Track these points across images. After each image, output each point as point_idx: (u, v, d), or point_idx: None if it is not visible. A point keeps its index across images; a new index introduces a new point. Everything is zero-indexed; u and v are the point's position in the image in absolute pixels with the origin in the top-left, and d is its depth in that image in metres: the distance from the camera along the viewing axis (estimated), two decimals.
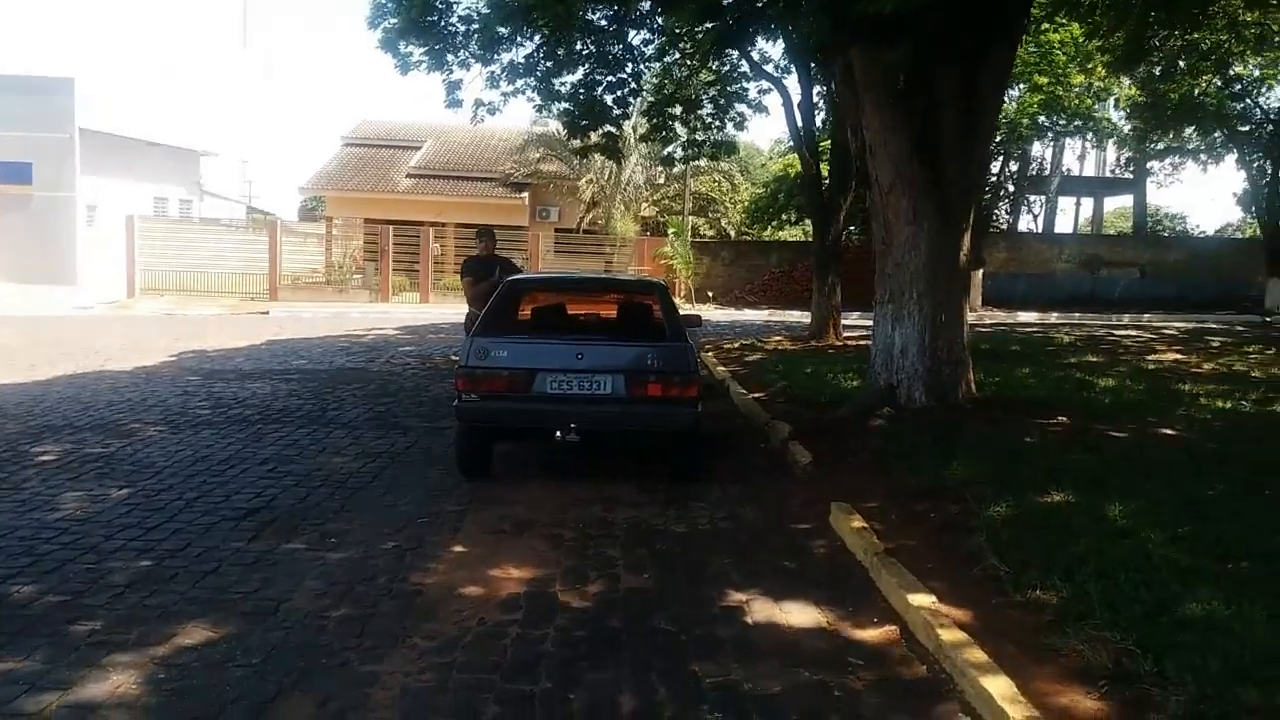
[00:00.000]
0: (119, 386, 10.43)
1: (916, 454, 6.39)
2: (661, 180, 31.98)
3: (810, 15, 6.87)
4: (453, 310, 24.04)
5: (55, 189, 27.70)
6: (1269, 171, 25.40)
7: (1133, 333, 19.95)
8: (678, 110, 16.19)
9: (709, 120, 16.62)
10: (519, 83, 15.14)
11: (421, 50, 13.60)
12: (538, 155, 30.62)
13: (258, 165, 46.05)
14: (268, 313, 22.94)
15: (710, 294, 26.23)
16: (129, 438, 7.78)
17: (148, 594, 4.28)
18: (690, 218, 30.62)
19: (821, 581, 4.62)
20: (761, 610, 4.28)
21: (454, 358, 13.08)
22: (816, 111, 15.38)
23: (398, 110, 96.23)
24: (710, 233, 33.96)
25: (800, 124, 14.86)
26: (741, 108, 16.62)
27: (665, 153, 17.95)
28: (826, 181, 15.34)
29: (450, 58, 13.74)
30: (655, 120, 16.20)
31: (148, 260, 25.84)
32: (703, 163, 30.38)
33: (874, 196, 7.97)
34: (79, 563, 4.68)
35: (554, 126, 30.92)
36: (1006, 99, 21.61)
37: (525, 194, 30.60)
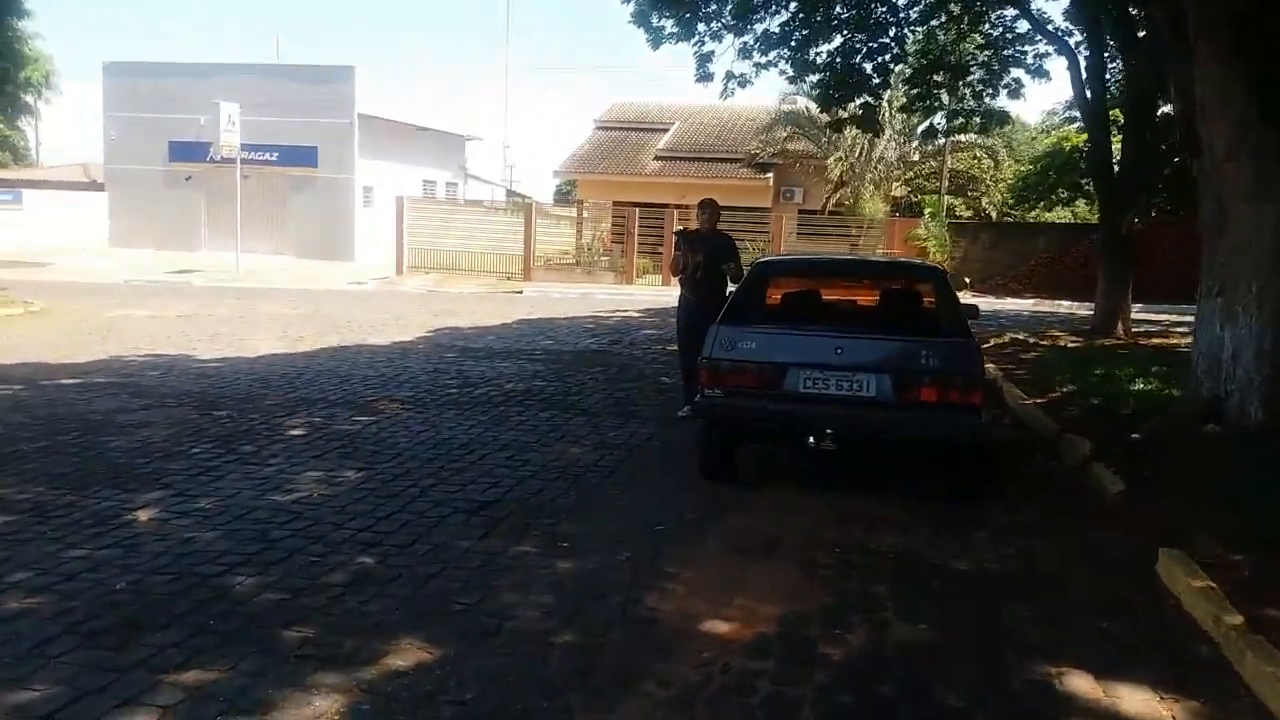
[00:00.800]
0: (375, 361, 10.74)
1: (1267, 487, 5.12)
2: (916, 157, 30.10)
3: None
4: None
5: (337, 171, 29.98)
6: None
7: None
8: (943, 77, 14.78)
9: (979, 88, 15.09)
10: (772, 54, 14.43)
11: (673, 22, 13.17)
12: (785, 134, 29.69)
13: (518, 150, 48.24)
14: (521, 292, 23.63)
15: (967, 280, 24.28)
16: (376, 415, 7.83)
17: (366, 598, 4.00)
18: (946, 198, 28.63)
19: (1157, 657, 3.63)
20: (1079, 687, 3.38)
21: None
22: (1107, 77, 13.54)
23: (652, 92, 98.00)
24: (967, 214, 31.67)
25: (1088, 91, 13.12)
26: (1018, 73, 14.97)
27: (927, 124, 16.48)
28: (1117, 157, 13.50)
29: (701, 28, 13.23)
30: (919, 89, 14.90)
31: (415, 239, 27.34)
32: (963, 138, 28.43)
33: (1202, 168, 6.59)
34: (306, 553, 4.51)
35: (803, 104, 29.99)
36: None
37: (770, 174, 29.79)
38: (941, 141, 28.38)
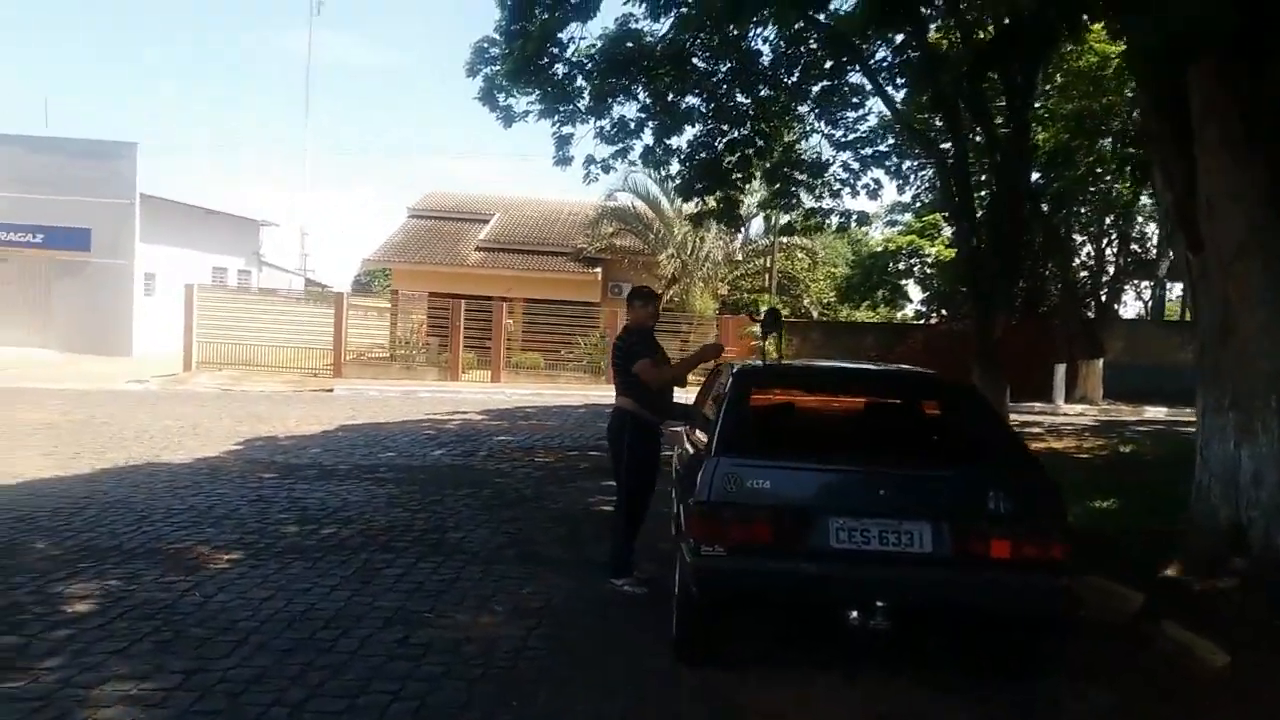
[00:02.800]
0: (178, 487, 8.51)
1: None
2: (739, 257, 30.22)
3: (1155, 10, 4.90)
4: (527, 390, 22.24)
5: (113, 256, 26.53)
6: None
7: None
8: (803, 174, 14.31)
9: (837, 187, 14.73)
10: (629, 142, 13.49)
11: (528, 99, 11.96)
12: (611, 230, 29.11)
13: (316, 237, 45.38)
14: (332, 390, 21.27)
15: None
16: (196, 572, 5.79)
17: None
18: (769, 296, 28.77)
19: None
20: None
21: (570, 452, 11.18)
22: (972, 176, 13.45)
23: (462, 185, 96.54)
24: (787, 313, 32.02)
25: (955, 188, 12.90)
26: (877, 173, 14.76)
27: (785, 221, 15.99)
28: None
29: (561, 108, 12.08)
30: (778, 184, 14.35)
31: (206, 332, 24.34)
32: (786, 239, 28.85)
33: (1204, 268, 5.89)
34: None
35: (629, 200, 29.66)
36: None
37: (598, 269, 28.99)
38: (768, 241, 28.69)
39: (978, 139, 13.41)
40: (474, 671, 4.38)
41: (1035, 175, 17.48)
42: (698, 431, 5.39)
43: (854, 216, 14.89)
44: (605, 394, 22.40)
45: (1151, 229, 24.90)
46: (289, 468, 9.83)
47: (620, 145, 13.35)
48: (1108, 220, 21.72)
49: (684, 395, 6.31)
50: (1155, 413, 21.78)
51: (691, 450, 5.14)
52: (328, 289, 32.92)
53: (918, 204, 23.97)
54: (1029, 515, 4.03)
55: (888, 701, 4.12)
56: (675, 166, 14.04)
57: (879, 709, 4.06)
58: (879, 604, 3.98)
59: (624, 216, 29.07)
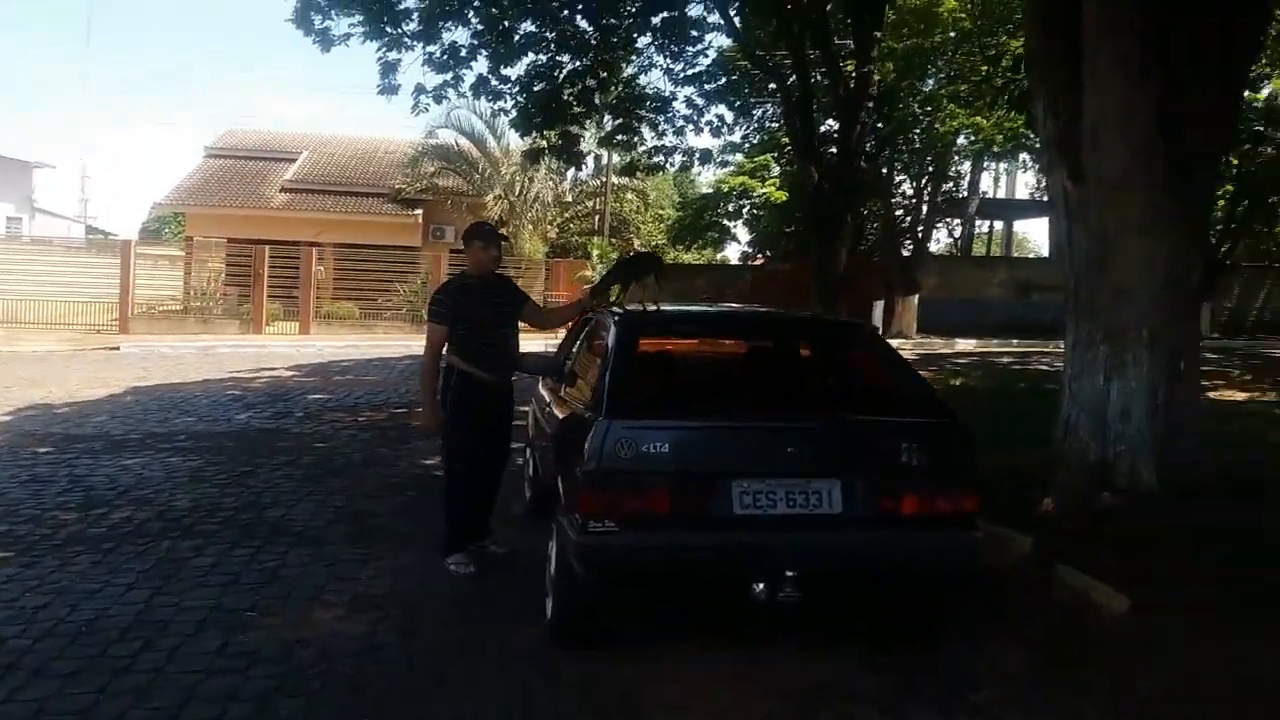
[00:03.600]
0: None
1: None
2: (569, 199, 29.43)
3: None
4: (341, 343, 20.82)
5: None
6: None
7: None
8: (645, 111, 13.69)
9: (681, 124, 14.20)
10: (461, 70, 12.45)
11: (350, 21, 10.74)
12: (432, 169, 27.62)
13: (101, 182, 41.17)
14: (118, 348, 19.10)
15: (565, 305, 23.84)
16: None
17: None
18: (599, 239, 28.20)
19: None
20: None
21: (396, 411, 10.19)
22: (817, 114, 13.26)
23: (270, 125, 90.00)
24: (615, 256, 31.59)
25: (799, 124, 12.66)
26: (721, 110, 14.32)
27: (628, 160, 15.34)
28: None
29: (387, 30, 10.93)
30: (620, 120, 13.66)
31: None
32: (619, 180, 28.28)
33: (1083, 198, 5.70)
34: None
35: (453, 138, 28.16)
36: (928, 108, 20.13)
37: (418, 211, 27.45)
38: (599, 183, 28.02)
39: (824, 79, 13.15)
40: (313, 683, 3.61)
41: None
42: (569, 388, 4.73)
43: (697, 154, 14.44)
44: None
45: (966, 168, 25.86)
46: (69, 439, 8.48)
47: (452, 73, 12.32)
48: (928, 159, 22.29)
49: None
50: (966, 345, 22.84)
51: (563, 411, 4.49)
52: (112, 237, 29.80)
53: (747, 145, 23.85)
54: (943, 467, 3.64)
55: (800, 680, 3.66)
56: (511, 100, 13.09)
57: (792, 689, 3.60)
58: (788, 574, 3.49)
59: (447, 155, 27.61)
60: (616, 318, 4.31)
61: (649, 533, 3.48)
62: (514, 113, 13.22)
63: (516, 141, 28.16)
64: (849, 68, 12.35)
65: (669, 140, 14.16)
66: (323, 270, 25.01)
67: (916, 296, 23.25)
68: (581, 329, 5.66)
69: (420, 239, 27.44)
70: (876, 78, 12.89)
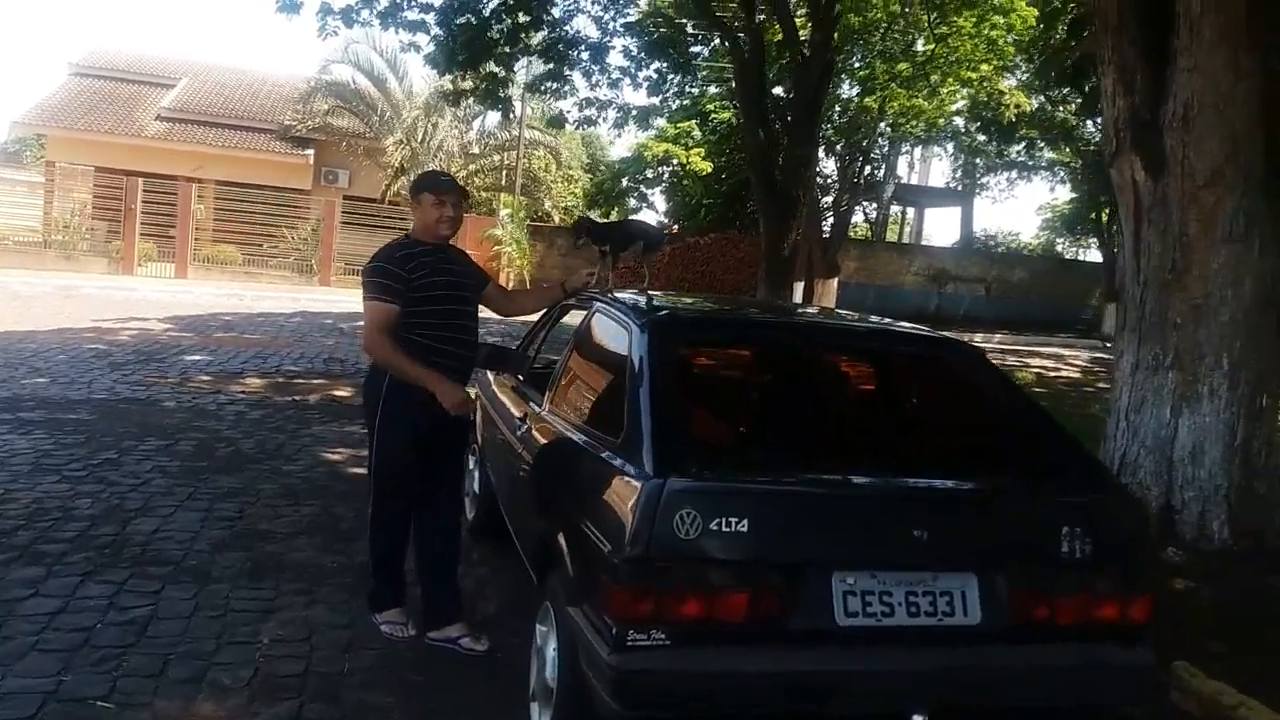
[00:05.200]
0: None
1: None
2: (476, 150, 27.68)
3: None
4: (222, 291, 18.90)
5: None
6: (1111, 197, 25.18)
7: (1054, 364, 18.50)
8: (583, 56, 12.36)
9: (616, 76, 12.94)
10: None
11: None
12: (326, 107, 25.48)
13: None
14: None
15: (545, 285, 22.50)
16: None
17: None
18: (508, 196, 26.66)
19: None
20: None
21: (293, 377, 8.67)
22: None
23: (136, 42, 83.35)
24: (523, 215, 30.07)
25: (747, 84, 11.59)
26: (660, 65, 13.07)
27: (556, 112, 13.99)
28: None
29: None
30: (554, 66, 12.29)
31: None
32: (536, 134, 26.70)
33: (1150, 194, 4.82)
34: None
35: (349, 74, 26.03)
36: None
37: (310, 151, 25.33)
38: (509, 135, 26.39)
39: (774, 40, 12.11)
40: None
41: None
42: (554, 402, 3.54)
43: (633, 112, 13.19)
44: (320, 299, 19.59)
45: (887, 151, 25.36)
46: None
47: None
48: (855, 138, 21.62)
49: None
50: None
51: (550, 437, 3.33)
52: None
53: (668, 110, 22.72)
54: (1109, 557, 2.64)
55: None
56: (426, 34, 11.58)
57: None
58: (912, 716, 2.45)
59: (343, 93, 25.51)
60: (638, 314, 3.13)
61: (717, 651, 2.39)
62: (431, 47, 11.72)
63: (420, 84, 26.30)
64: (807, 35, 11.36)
65: (603, 93, 12.92)
66: (202, 209, 22.80)
67: (835, 280, 22.69)
68: (557, 315, 4.49)
69: (311, 182, 25.36)
70: (842, 42, 11.91)
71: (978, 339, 21.29)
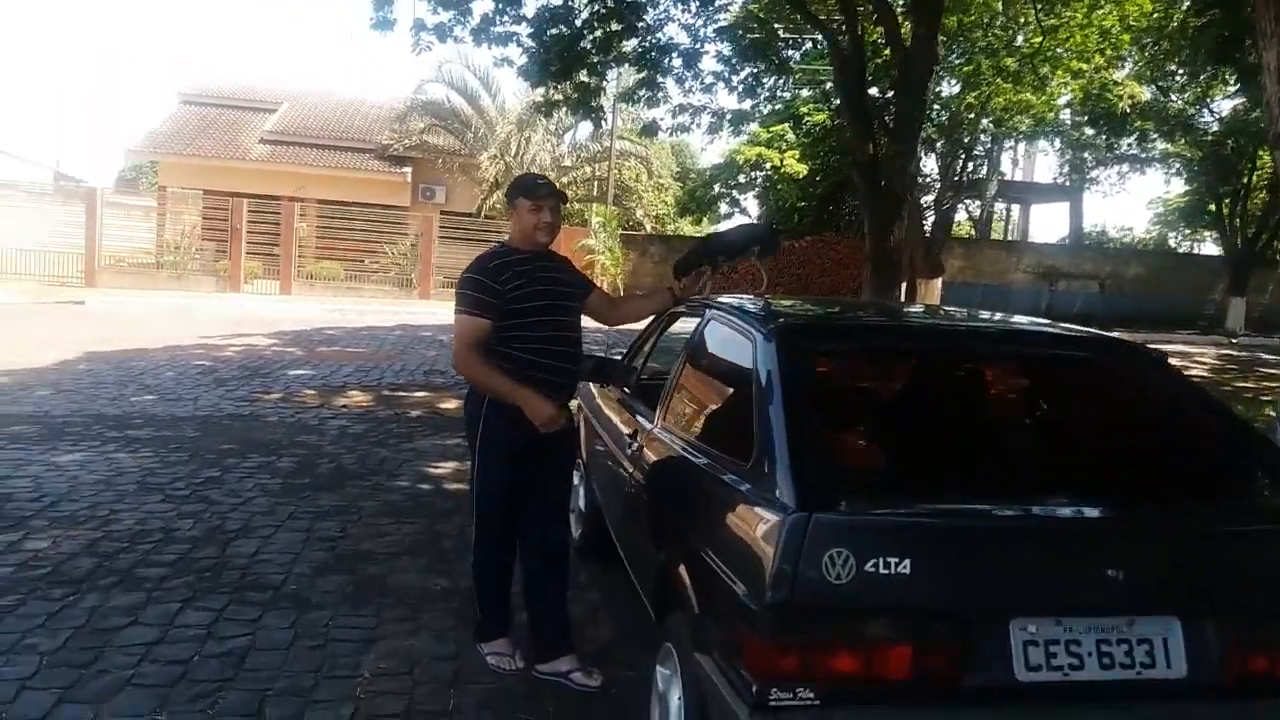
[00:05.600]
0: None
1: None
2: (568, 163, 27.77)
3: None
4: (324, 306, 19.28)
5: None
6: (1233, 188, 23.76)
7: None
8: (675, 63, 12.10)
9: (709, 81, 12.64)
10: (467, 3, 10.89)
11: None
12: (422, 126, 25.94)
13: (72, 124, 39.09)
14: (84, 302, 17.55)
15: (639, 294, 22.32)
16: None
17: None
18: (602, 207, 26.62)
19: None
20: None
21: (403, 394, 8.60)
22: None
23: (241, 71, 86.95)
24: (615, 226, 30.00)
25: (848, 84, 11.15)
26: (754, 68, 12.71)
27: (651, 120, 13.74)
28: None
29: None
30: (645, 73, 12.08)
31: None
32: (626, 144, 26.66)
33: None
34: None
35: (444, 93, 26.40)
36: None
37: (407, 169, 25.81)
38: (600, 147, 26.41)
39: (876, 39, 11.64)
40: None
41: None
42: (666, 418, 3.27)
43: (727, 116, 12.86)
44: (419, 311, 19.81)
45: (992, 148, 24.44)
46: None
47: (455, 10, 10.78)
48: (957, 135, 20.85)
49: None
50: None
51: (665, 455, 3.06)
52: (80, 183, 27.86)
53: (759, 114, 22.33)
54: None
55: None
56: (519, 46, 11.49)
57: None
58: None
59: (437, 111, 25.94)
60: (761, 321, 2.81)
61: (875, 713, 2.07)
62: (524, 59, 11.62)
63: (512, 100, 26.55)
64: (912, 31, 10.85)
65: (696, 99, 12.63)
66: (304, 227, 23.38)
67: (940, 280, 21.90)
68: (666, 324, 4.21)
69: (409, 199, 25.84)
70: (942, 38, 11.38)
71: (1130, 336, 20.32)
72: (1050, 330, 3.05)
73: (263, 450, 6.61)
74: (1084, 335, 3.00)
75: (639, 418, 3.58)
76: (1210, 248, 33.15)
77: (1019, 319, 3.51)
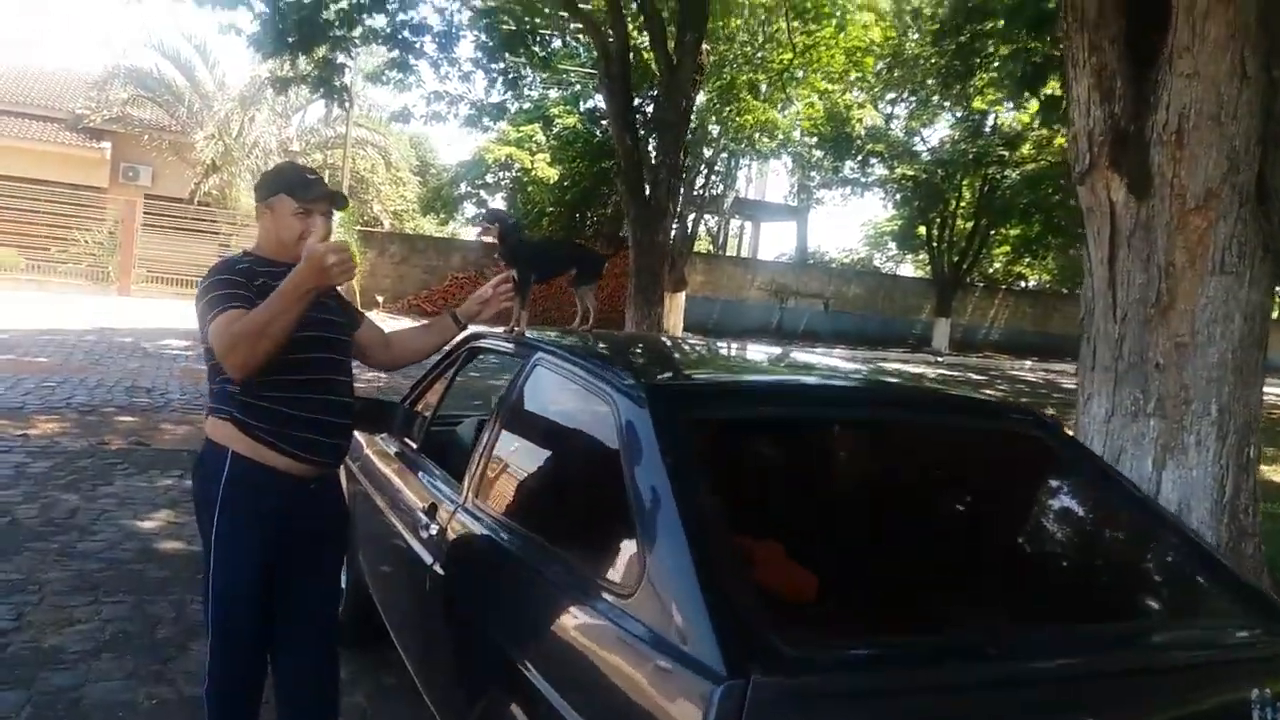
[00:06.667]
0: None
1: None
2: (296, 147, 25.64)
3: None
4: None
5: None
6: (939, 214, 26.00)
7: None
8: (429, 47, 11.16)
9: (467, 69, 11.82)
10: None
11: None
12: (125, 96, 22.96)
13: None
14: None
15: (379, 298, 20.90)
16: None
17: None
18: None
19: None
20: None
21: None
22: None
23: None
24: (354, 219, 28.14)
25: (613, 85, 10.76)
26: (516, 59, 12.01)
27: (401, 107, 12.64)
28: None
29: None
30: (398, 53, 11.04)
31: None
32: (363, 131, 25.02)
33: (1129, 217, 4.28)
34: None
35: (152, 61, 23.50)
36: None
37: (106, 145, 22.72)
38: (334, 133, 24.63)
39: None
40: None
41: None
42: (478, 495, 2.53)
43: (487, 109, 12.04)
44: (118, 309, 17.31)
45: (730, 164, 25.19)
46: None
47: None
48: (700, 150, 21.24)
49: None
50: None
51: (476, 552, 2.35)
52: None
53: (515, 109, 21.68)
54: None
55: None
56: (249, 12, 10.11)
57: None
58: None
59: (144, 81, 22.99)
60: (622, 375, 2.16)
61: None
62: (256, 27, 10.27)
63: (234, 75, 24.15)
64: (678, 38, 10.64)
65: (453, 86, 11.77)
66: None
67: (684, 294, 22.27)
68: (462, 360, 3.46)
69: (108, 179, 22.76)
70: (706, 47, 11.27)
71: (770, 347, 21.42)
72: (968, 399, 2.60)
73: None
74: (997, 406, 2.59)
75: (435, 485, 2.83)
76: (908, 269, 36.28)
77: (923, 382, 3.08)
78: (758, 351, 4.39)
